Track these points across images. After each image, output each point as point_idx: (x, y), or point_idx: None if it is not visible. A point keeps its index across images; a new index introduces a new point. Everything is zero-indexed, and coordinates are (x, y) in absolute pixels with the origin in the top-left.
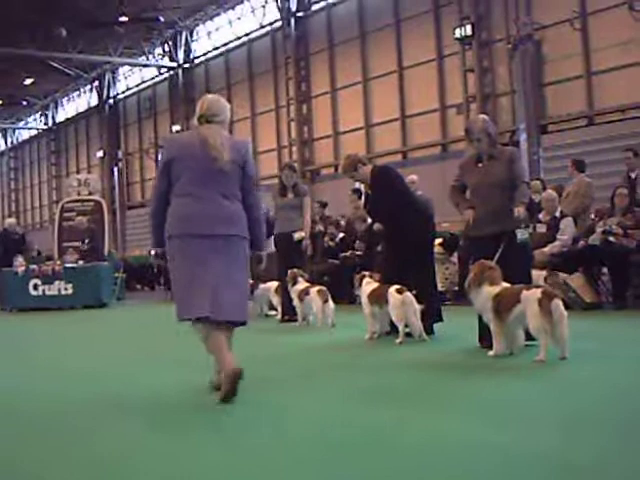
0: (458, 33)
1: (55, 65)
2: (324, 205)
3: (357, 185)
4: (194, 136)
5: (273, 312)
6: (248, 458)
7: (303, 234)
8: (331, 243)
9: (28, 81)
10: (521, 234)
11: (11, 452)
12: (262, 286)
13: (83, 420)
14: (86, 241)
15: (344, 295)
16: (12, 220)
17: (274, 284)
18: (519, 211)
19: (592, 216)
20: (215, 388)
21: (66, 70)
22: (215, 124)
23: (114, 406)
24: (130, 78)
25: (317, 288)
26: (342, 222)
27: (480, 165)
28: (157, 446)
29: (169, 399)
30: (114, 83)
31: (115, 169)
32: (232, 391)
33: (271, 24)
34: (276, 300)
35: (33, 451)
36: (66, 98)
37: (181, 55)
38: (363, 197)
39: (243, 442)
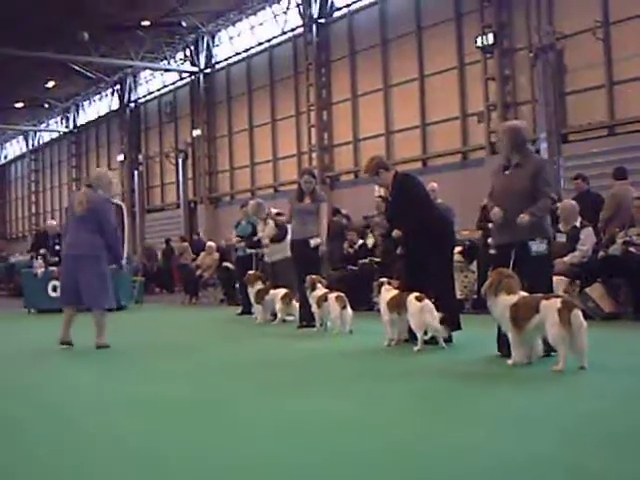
0: (480, 41)
1: (77, 68)
2: (335, 213)
3: (377, 192)
4: (77, 195)
5: (291, 317)
6: (258, 458)
7: (319, 240)
8: (350, 250)
9: (50, 84)
10: (536, 246)
11: None
12: (272, 292)
13: None
14: None
15: (362, 302)
16: (53, 222)
17: (281, 291)
18: (523, 218)
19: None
20: (62, 342)
21: (88, 73)
22: (92, 188)
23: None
24: (151, 82)
25: (335, 294)
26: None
27: (507, 173)
28: None
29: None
30: (135, 87)
31: (135, 173)
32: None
33: (293, 30)
34: (279, 307)
35: None
36: (87, 101)
37: (202, 60)
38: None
39: (261, 442)
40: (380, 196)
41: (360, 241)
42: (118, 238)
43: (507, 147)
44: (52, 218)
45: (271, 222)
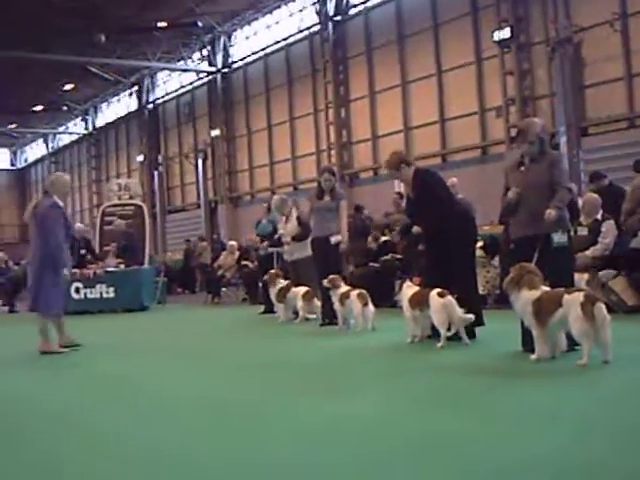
0: (497, 36)
1: (95, 70)
2: (358, 209)
3: (397, 188)
4: None
5: (313, 315)
6: (277, 456)
7: (340, 237)
8: (373, 245)
9: (68, 87)
10: (558, 238)
11: None
12: (293, 290)
13: None
14: (122, 243)
15: (385, 299)
16: (81, 225)
17: (303, 289)
18: (550, 213)
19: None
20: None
21: (106, 75)
22: (47, 195)
23: None
24: (169, 83)
25: (357, 291)
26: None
27: (522, 168)
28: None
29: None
30: (153, 88)
31: (155, 173)
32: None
33: (309, 28)
34: (300, 305)
35: None
36: (106, 103)
37: (220, 60)
38: (405, 199)
39: (278, 443)
40: (398, 193)
41: (383, 238)
42: (59, 245)
43: (541, 146)
44: (80, 221)
45: (294, 219)
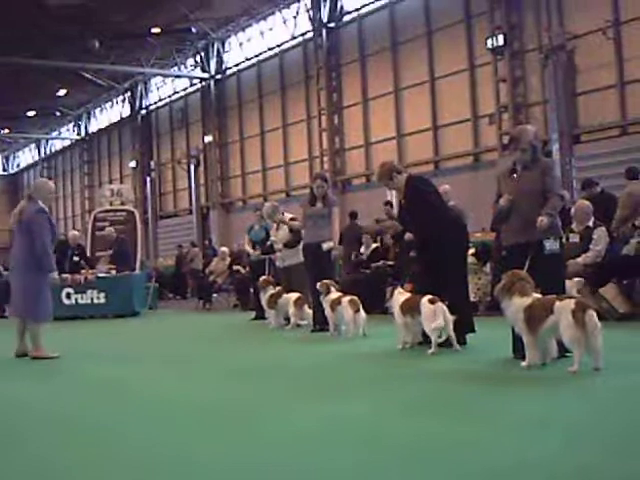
0: (490, 43)
1: (88, 76)
2: (353, 216)
3: (388, 196)
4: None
5: (304, 322)
6: (266, 461)
7: (332, 244)
8: (360, 256)
9: (61, 92)
10: (550, 245)
11: None
12: (284, 296)
13: None
14: (113, 249)
15: (376, 305)
16: (75, 232)
17: (294, 295)
18: (542, 221)
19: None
20: (18, 355)
21: (99, 81)
22: (32, 200)
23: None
24: (162, 89)
25: (349, 298)
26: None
27: (515, 176)
28: None
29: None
30: (146, 94)
31: (147, 179)
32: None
33: (303, 35)
34: (291, 311)
35: None
36: (99, 109)
37: (213, 66)
38: (396, 206)
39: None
40: (388, 202)
41: (373, 245)
42: (46, 250)
43: (532, 154)
44: (72, 227)
45: (285, 226)
